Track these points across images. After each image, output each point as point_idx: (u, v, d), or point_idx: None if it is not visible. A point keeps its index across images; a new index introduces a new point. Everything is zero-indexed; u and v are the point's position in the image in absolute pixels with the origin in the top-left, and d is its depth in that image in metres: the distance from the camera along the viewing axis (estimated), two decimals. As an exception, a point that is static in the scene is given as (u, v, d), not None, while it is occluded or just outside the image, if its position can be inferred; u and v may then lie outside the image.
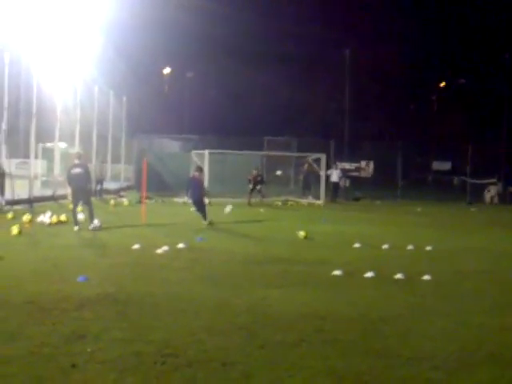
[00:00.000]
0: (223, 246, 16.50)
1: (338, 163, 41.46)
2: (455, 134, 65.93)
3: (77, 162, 20.09)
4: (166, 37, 60.91)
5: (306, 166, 40.05)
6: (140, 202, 27.03)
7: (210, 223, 21.20)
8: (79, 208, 20.30)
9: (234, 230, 20.88)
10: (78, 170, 19.68)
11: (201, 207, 21.65)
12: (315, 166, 38.29)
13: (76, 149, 34.81)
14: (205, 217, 21.38)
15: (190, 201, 22.04)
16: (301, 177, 40.88)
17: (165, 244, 15.55)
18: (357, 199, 39.09)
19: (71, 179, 19.89)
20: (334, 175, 38.05)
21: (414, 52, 71.44)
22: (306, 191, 39.00)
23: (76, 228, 18.94)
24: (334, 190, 37.89)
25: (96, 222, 19.29)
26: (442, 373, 6.92)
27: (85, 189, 19.95)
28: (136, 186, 39.42)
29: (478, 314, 9.65)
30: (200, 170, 23.30)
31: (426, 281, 12.21)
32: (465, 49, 69.73)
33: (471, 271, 13.77)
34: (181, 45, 63.05)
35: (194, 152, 37.60)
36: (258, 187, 33.90)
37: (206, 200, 22.36)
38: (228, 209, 24.67)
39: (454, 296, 10.97)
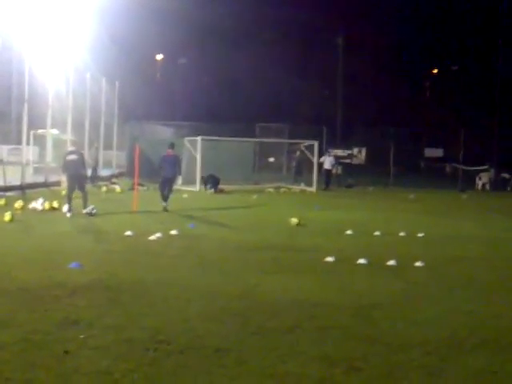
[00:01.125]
0: (216, 233, 16.51)
1: (330, 150, 41.35)
2: (447, 120, 65.94)
3: (72, 148, 20.33)
4: (159, 23, 60.61)
5: (298, 152, 40.00)
6: (132, 188, 26.96)
7: (165, 209, 21.19)
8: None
9: (227, 216, 20.87)
10: (73, 157, 19.78)
11: (170, 186, 21.68)
12: (308, 152, 38.25)
13: (68, 135, 34.73)
14: (166, 198, 21.37)
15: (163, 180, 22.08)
16: (293, 164, 40.75)
17: (157, 231, 15.55)
18: (349, 186, 39.06)
19: (66, 166, 19.91)
20: (327, 162, 37.88)
21: (407, 38, 71.30)
22: (298, 178, 38.85)
23: (69, 214, 18.93)
24: (326, 177, 37.69)
25: (90, 207, 19.30)
26: (435, 359, 6.93)
27: (80, 175, 19.96)
28: (128, 173, 39.33)
29: (469, 301, 9.68)
30: (172, 146, 22.90)
31: (418, 267, 12.24)
32: (457, 35, 69.60)
33: (463, 258, 13.80)
34: (173, 31, 62.75)
35: (186, 139, 37.50)
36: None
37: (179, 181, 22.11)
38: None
39: (445, 282, 11.00)
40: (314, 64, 69.90)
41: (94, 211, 19.31)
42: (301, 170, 39.68)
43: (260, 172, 42.00)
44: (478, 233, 18.56)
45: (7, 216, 17.15)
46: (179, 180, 22.06)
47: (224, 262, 12.26)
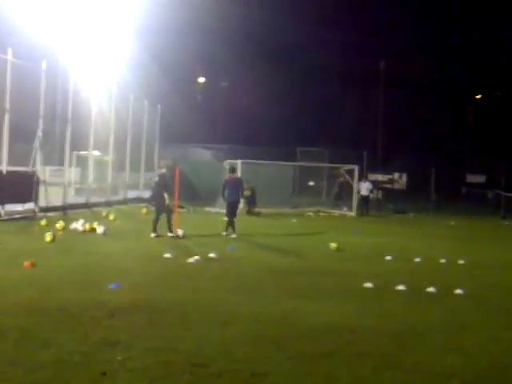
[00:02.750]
0: (254, 256, 16.50)
1: (368, 175, 40.97)
2: (490, 146, 65.39)
3: (162, 171, 21.20)
4: (201, 45, 61.21)
5: (342, 177, 39.65)
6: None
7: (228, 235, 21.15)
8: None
9: (266, 240, 20.87)
10: (155, 179, 20.98)
11: (235, 210, 21.69)
12: (348, 177, 38.06)
13: (110, 156, 35.13)
14: (233, 226, 21.39)
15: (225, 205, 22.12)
16: (335, 188, 40.30)
17: (196, 253, 15.60)
18: (401, 212, 38.29)
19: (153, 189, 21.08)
20: (363, 188, 37.20)
21: (450, 63, 71.05)
22: (339, 202, 38.50)
23: (153, 235, 19.76)
24: (363, 203, 36.92)
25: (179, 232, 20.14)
26: (474, 389, 6.85)
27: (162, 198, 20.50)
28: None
29: (510, 329, 9.54)
30: (233, 170, 23.11)
31: (458, 295, 12.11)
32: (501, 60, 69.18)
33: (504, 286, 13.62)
34: (215, 53, 63.31)
35: (226, 161, 37.64)
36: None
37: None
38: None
39: (486, 310, 10.86)
40: (356, 89, 69.80)
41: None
42: (341, 195, 39.36)
43: (300, 196, 41.93)
44: (519, 261, 18.31)
45: (48, 236, 17.34)
46: (241, 203, 22.19)
47: (262, 285, 12.25)
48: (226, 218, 21.91)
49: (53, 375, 6.60)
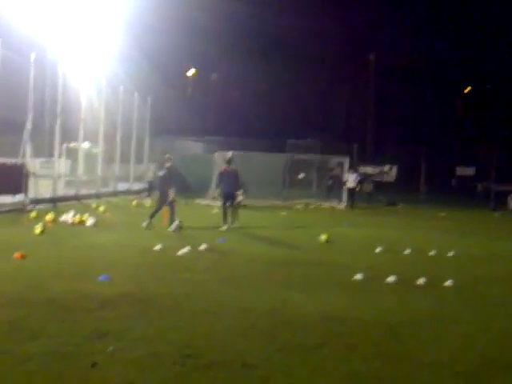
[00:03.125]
0: (245, 248, 16.51)
1: (356, 167, 40.84)
2: (480, 139, 65.57)
3: (168, 165, 20.72)
4: (191, 38, 61.02)
5: (335, 170, 39.49)
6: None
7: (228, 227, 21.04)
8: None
9: (256, 232, 20.89)
10: (162, 173, 20.62)
11: (232, 202, 21.53)
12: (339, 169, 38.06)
13: (100, 148, 35.04)
14: (231, 217, 21.27)
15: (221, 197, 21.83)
16: (328, 181, 39.96)
17: (186, 245, 15.58)
18: (392, 204, 38.29)
19: (156, 182, 21.07)
20: (350, 180, 37.01)
21: (440, 56, 71.08)
22: (331, 194, 38.33)
23: (145, 224, 19.84)
24: (350, 195, 36.80)
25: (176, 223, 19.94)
26: (463, 379, 6.87)
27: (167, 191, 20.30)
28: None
29: (499, 320, 9.59)
30: (229, 162, 22.70)
31: (448, 286, 12.14)
32: (490, 53, 69.26)
33: (494, 277, 13.68)
34: (205, 46, 63.14)
35: (217, 153, 37.62)
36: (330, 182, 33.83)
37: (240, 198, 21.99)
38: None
39: (475, 302, 10.90)
40: (346, 81, 69.82)
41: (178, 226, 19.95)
42: (333, 187, 39.28)
43: (290, 188, 41.92)
44: (509, 253, 18.37)
45: (38, 228, 17.30)
46: (240, 196, 21.90)
47: (252, 277, 12.26)
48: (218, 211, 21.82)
49: (43, 366, 6.59)
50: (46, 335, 7.65)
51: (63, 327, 8.03)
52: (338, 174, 38.00)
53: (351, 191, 36.85)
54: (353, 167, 39.53)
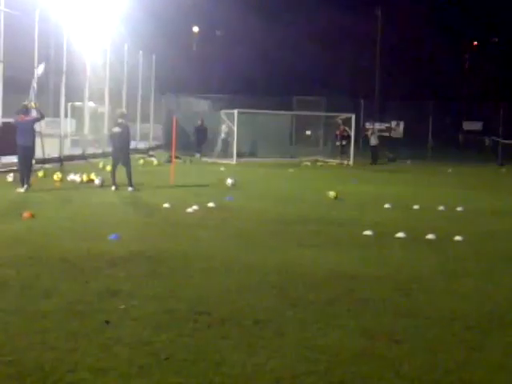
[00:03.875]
0: (253, 206, 16.50)
1: (375, 125, 40.64)
2: (487, 93, 65.07)
3: (120, 121, 19.57)
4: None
5: (341, 128, 39.10)
6: (169, 161, 27.06)
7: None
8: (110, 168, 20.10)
9: (264, 189, 20.87)
10: (119, 130, 19.28)
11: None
12: (343, 126, 37.84)
13: (106, 108, 34.93)
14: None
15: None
16: (343, 142, 39.14)
17: (195, 203, 15.59)
18: (392, 160, 38.37)
19: (112, 138, 19.73)
20: (373, 139, 37.25)
21: (447, 10, 70.29)
22: (344, 156, 37.55)
23: (113, 188, 18.86)
24: (373, 153, 37.07)
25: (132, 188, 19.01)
26: (475, 333, 6.87)
27: (125, 149, 19.54)
28: (165, 146, 39.48)
29: (510, 275, 9.58)
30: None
31: (458, 241, 12.13)
32: (497, 6, 68.34)
33: (503, 232, 13.66)
34: (209, 2, 62.55)
35: (223, 111, 37.48)
36: (344, 142, 33.31)
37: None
38: (229, 181, 21.23)
39: (485, 256, 10.89)
40: (352, 35, 69.14)
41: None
42: (345, 148, 38.79)
43: (297, 145, 41.83)
44: (517, 207, 18.35)
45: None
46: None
47: (262, 234, 12.27)
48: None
49: (57, 324, 6.61)
50: (58, 294, 7.68)
51: (75, 286, 8.06)
52: (348, 132, 37.52)
53: (374, 148, 36.88)
54: (372, 126, 39.36)
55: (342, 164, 35.40)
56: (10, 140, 23.79)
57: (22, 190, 17.59)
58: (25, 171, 18.12)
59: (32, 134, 18.71)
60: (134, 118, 39.91)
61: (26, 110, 19.68)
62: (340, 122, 37.32)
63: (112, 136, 19.70)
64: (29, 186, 17.79)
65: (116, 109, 26.81)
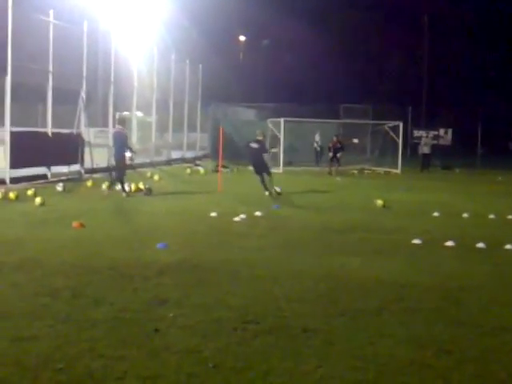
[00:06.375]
0: (300, 214, 16.47)
1: (429, 132, 40.45)
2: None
3: (259, 138, 21.43)
4: (241, 3, 60.70)
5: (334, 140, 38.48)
6: (216, 170, 27.17)
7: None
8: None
9: (311, 198, 20.82)
10: (255, 145, 21.20)
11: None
12: (391, 133, 37.63)
13: (153, 117, 35.22)
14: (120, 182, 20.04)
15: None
16: (331, 153, 38.75)
17: (242, 212, 15.62)
18: (448, 168, 38.06)
19: (248, 153, 21.78)
20: (425, 148, 37.36)
21: (495, 15, 69.36)
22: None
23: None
24: (425, 160, 37.12)
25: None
26: (528, 343, 6.75)
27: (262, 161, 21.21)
28: (211, 155, 39.64)
29: None
30: (123, 121, 21.32)
31: (508, 250, 11.95)
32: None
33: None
34: (256, 11, 62.73)
35: (269, 120, 37.51)
36: (339, 155, 33.27)
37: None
38: (278, 189, 21.30)
39: (537, 265, 10.70)
40: (400, 43, 68.71)
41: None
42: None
43: (344, 154, 41.63)
44: None
45: (38, 200, 16.65)
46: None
47: (309, 242, 12.23)
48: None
49: (107, 332, 6.66)
50: (107, 302, 7.73)
51: (124, 294, 8.12)
52: (342, 144, 37.10)
53: (427, 156, 36.87)
54: (427, 133, 39.30)
55: (389, 172, 35.10)
56: (60, 150, 24.23)
57: (123, 194, 19.50)
58: (120, 177, 19.92)
59: (124, 144, 20.08)
60: (181, 128, 40.20)
61: (123, 122, 20.62)
62: (335, 138, 36.25)
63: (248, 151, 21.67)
64: (125, 191, 19.66)
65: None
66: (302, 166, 36.15)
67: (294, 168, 35.07)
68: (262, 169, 21.06)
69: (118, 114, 33.32)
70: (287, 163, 35.20)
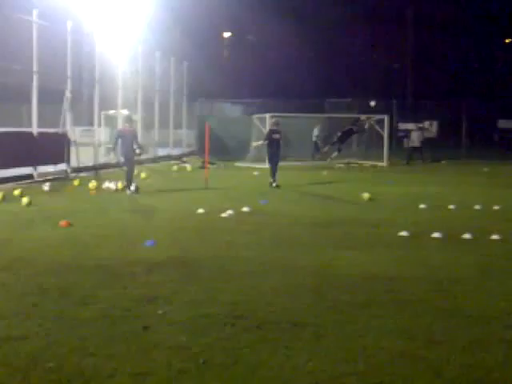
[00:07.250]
0: (288, 209, 16.49)
1: (418, 125, 40.48)
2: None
3: (275, 127, 23.07)
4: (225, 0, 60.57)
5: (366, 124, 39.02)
6: (203, 167, 27.15)
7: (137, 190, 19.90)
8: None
9: (298, 192, 20.86)
10: (278, 136, 22.74)
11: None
12: (366, 124, 37.79)
13: (138, 115, 35.12)
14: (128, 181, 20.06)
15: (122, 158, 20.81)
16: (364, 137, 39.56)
17: (229, 208, 15.62)
18: (438, 161, 38.22)
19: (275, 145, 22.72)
20: (416, 140, 37.29)
21: (478, 8, 69.61)
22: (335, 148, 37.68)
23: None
24: (413, 153, 37.15)
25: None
26: (515, 332, 6.80)
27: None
28: (198, 152, 39.60)
29: (550, 273, 9.47)
30: (130, 120, 21.16)
31: (495, 240, 12.02)
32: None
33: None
34: (240, 7, 62.62)
35: (255, 116, 37.52)
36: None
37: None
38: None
39: (524, 255, 10.77)
40: (383, 37, 68.84)
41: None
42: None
43: (330, 147, 41.69)
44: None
45: (25, 200, 16.52)
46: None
47: (297, 237, 12.26)
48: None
49: (96, 330, 6.66)
50: (96, 300, 7.73)
51: (112, 292, 8.11)
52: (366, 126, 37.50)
53: (417, 149, 36.82)
54: (418, 124, 39.34)
55: (375, 166, 35.19)
56: (46, 150, 24.15)
57: (129, 191, 19.59)
58: (128, 176, 19.96)
59: (132, 144, 19.93)
60: (166, 125, 40.13)
61: (130, 121, 20.54)
62: (373, 122, 36.71)
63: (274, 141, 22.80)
64: (133, 188, 19.68)
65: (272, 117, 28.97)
66: (290, 161, 36.15)
67: (284, 163, 35.06)
68: (279, 158, 22.85)
69: (102, 113, 33.28)
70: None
